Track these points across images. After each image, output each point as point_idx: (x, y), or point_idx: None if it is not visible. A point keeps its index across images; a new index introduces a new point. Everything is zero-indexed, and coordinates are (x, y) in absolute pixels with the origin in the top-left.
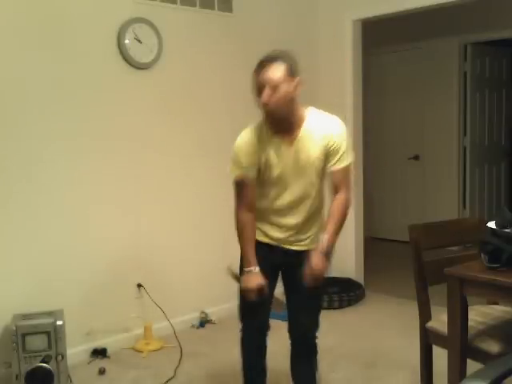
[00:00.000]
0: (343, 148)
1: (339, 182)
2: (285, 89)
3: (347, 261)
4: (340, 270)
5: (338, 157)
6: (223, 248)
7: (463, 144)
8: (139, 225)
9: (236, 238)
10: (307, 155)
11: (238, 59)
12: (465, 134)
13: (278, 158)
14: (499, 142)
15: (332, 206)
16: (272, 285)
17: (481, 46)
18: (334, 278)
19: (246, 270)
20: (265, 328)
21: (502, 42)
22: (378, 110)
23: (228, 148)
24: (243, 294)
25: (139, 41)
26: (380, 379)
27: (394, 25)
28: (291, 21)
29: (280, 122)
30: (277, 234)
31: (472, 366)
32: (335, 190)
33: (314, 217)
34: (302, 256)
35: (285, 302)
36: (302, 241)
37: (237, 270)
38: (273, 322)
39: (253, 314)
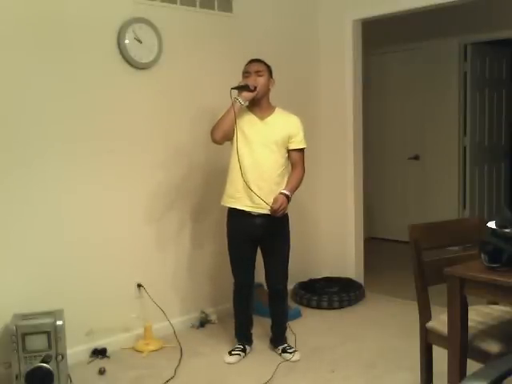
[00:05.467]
0: (301, 134)
1: (297, 160)
2: (264, 79)
3: (347, 261)
4: (340, 270)
5: (296, 139)
6: (222, 248)
7: (463, 144)
8: (139, 224)
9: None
10: (273, 132)
11: (238, 59)
12: (465, 134)
13: (249, 125)
14: (499, 142)
15: (291, 174)
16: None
17: (481, 46)
18: (334, 278)
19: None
20: (249, 282)
21: (502, 42)
22: (378, 109)
23: (228, 146)
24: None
25: (139, 41)
26: (380, 379)
27: (394, 25)
28: (291, 21)
29: (256, 101)
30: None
31: (472, 366)
32: (293, 166)
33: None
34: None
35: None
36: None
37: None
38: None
39: (240, 273)
